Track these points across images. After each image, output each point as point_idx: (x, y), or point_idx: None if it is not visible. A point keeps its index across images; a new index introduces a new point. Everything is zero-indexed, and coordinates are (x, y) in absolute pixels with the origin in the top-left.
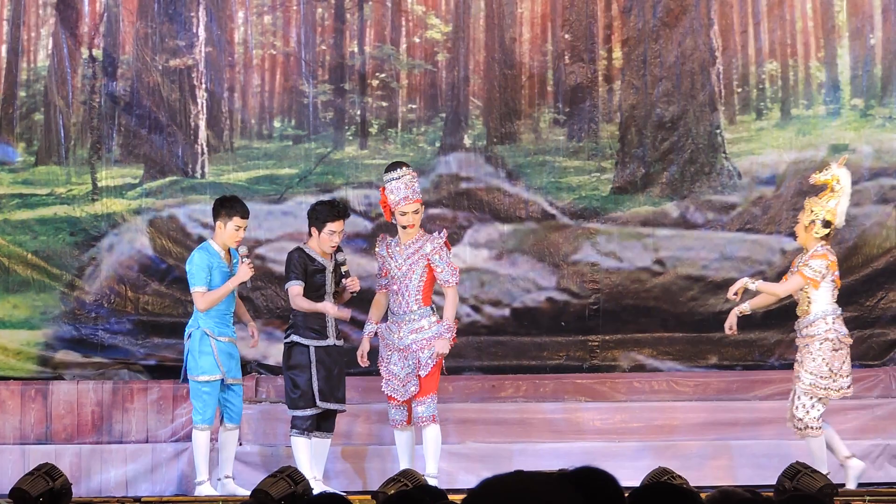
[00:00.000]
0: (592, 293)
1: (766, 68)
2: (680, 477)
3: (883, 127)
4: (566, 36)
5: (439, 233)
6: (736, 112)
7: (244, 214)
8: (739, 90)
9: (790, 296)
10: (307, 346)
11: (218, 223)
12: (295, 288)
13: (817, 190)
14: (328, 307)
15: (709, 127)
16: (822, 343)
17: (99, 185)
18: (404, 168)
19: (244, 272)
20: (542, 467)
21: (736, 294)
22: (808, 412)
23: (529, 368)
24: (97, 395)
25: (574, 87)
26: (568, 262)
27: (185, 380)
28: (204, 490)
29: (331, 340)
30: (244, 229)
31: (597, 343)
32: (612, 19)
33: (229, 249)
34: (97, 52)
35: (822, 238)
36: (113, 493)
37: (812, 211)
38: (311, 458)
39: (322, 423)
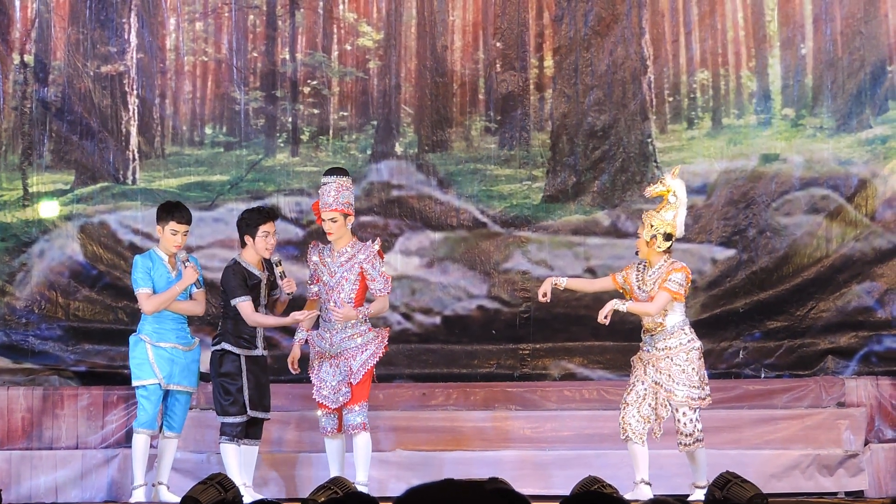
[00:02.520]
0: (523, 301)
1: (697, 77)
2: (610, 486)
3: (814, 137)
4: (498, 44)
5: (373, 241)
6: (667, 121)
7: (180, 220)
8: (671, 99)
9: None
10: (238, 356)
11: (158, 228)
12: (246, 305)
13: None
14: (297, 316)
15: (640, 136)
16: (688, 353)
17: (30, 190)
18: (335, 175)
19: (188, 275)
20: (472, 475)
21: (606, 317)
22: (695, 425)
23: (460, 376)
24: (27, 401)
25: (505, 95)
26: (499, 271)
27: None
28: (137, 495)
29: (259, 350)
30: (183, 234)
31: (527, 351)
32: (543, 28)
33: (175, 256)
34: (28, 58)
35: (665, 251)
36: (43, 500)
37: (652, 225)
38: (240, 464)
39: (250, 431)
